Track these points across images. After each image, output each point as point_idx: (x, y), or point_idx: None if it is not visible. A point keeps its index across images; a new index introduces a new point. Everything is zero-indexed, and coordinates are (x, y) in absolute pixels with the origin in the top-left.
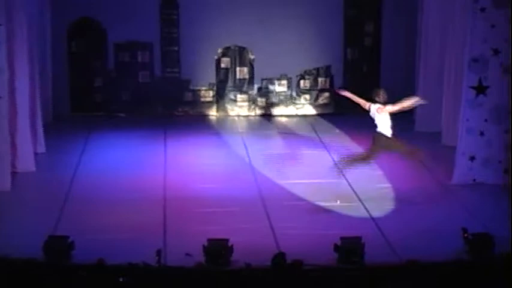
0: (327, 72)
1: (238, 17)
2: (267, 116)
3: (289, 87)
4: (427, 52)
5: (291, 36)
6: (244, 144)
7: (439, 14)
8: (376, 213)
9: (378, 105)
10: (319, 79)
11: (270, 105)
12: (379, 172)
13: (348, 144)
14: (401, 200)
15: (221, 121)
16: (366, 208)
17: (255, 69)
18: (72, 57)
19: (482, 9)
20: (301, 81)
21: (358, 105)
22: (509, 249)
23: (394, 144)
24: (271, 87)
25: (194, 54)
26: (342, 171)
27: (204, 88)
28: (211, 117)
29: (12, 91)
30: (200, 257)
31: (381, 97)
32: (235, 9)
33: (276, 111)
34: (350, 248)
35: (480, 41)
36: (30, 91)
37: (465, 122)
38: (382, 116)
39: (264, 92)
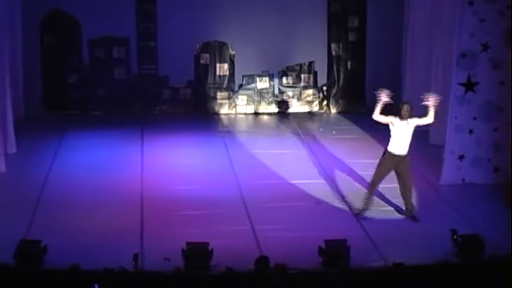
0: (310, 68)
1: (218, 11)
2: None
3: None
4: (414, 47)
5: (273, 31)
6: (225, 144)
7: (427, 8)
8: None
9: (401, 119)
10: (302, 75)
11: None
12: (365, 172)
13: (332, 144)
14: (388, 201)
15: (200, 119)
16: (351, 209)
17: (236, 65)
18: (44, 52)
19: (471, 3)
20: (284, 78)
21: (345, 102)
22: (499, 251)
23: (406, 171)
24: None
25: (172, 50)
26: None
27: (182, 85)
28: (190, 116)
29: None
30: (179, 262)
31: (406, 113)
32: (215, 3)
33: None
34: (335, 251)
35: (468, 35)
36: (0, 89)
37: (453, 120)
38: (404, 131)
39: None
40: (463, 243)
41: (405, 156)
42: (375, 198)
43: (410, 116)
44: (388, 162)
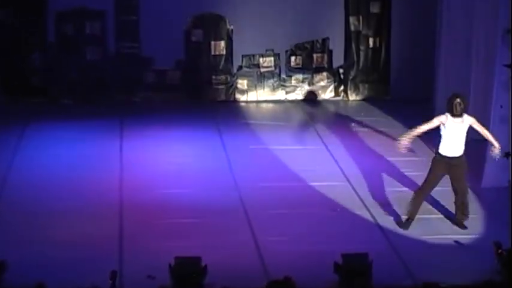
0: (324, 46)
1: None
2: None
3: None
4: (449, 21)
5: (279, 1)
6: (221, 138)
7: None
8: (386, 224)
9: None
10: (315, 55)
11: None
12: (393, 172)
13: (352, 138)
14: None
15: (192, 108)
16: (373, 217)
17: (234, 43)
18: (1, 29)
19: None
20: (292, 58)
21: (366, 87)
22: None
23: (461, 175)
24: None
25: (158, 25)
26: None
27: (170, 67)
28: (179, 104)
29: None
30: (165, 280)
31: (458, 108)
32: None
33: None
34: (354, 267)
35: None
36: None
37: (498, 110)
38: (457, 129)
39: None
40: (509, 258)
41: (460, 157)
42: (405, 205)
43: (464, 111)
44: (439, 165)
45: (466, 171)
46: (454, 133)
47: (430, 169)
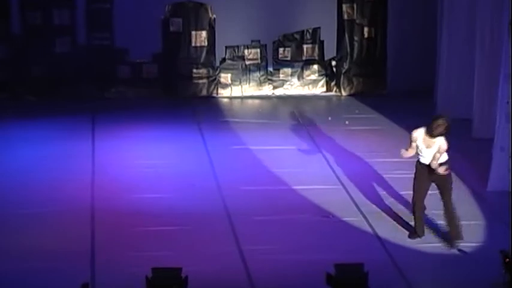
0: (315, 36)
1: None
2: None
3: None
4: (452, 8)
5: None
6: (202, 138)
7: None
8: (383, 231)
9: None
10: (305, 46)
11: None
12: (389, 174)
13: (346, 136)
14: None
15: (170, 105)
16: (369, 224)
17: (217, 33)
18: None
19: None
20: (280, 50)
21: (361, 82)
22: None
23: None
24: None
25: (133, 14)
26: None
27: (146, 60)
28: (156, 100)
29: None
30: None
31: (439, 129)
32: None
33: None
34: (348, 278)
35: None
36: None
37: (504, 106)
38: (428, 148)
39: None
40: None
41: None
42: (404, 211)
43: (443, 134)
44: (421, 172)
45: (449, 182)
46: (425, 149)
47: (414, 177)
